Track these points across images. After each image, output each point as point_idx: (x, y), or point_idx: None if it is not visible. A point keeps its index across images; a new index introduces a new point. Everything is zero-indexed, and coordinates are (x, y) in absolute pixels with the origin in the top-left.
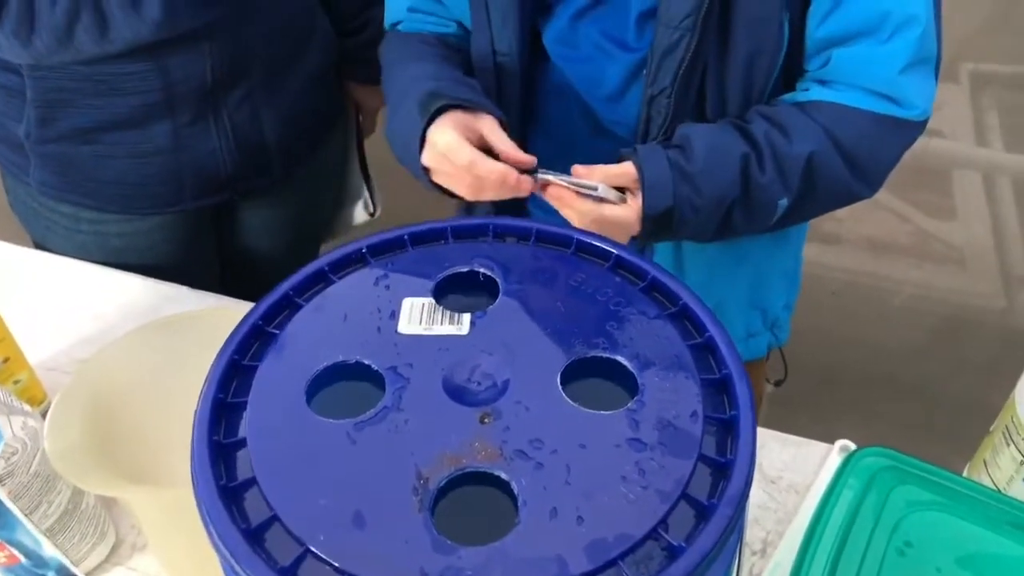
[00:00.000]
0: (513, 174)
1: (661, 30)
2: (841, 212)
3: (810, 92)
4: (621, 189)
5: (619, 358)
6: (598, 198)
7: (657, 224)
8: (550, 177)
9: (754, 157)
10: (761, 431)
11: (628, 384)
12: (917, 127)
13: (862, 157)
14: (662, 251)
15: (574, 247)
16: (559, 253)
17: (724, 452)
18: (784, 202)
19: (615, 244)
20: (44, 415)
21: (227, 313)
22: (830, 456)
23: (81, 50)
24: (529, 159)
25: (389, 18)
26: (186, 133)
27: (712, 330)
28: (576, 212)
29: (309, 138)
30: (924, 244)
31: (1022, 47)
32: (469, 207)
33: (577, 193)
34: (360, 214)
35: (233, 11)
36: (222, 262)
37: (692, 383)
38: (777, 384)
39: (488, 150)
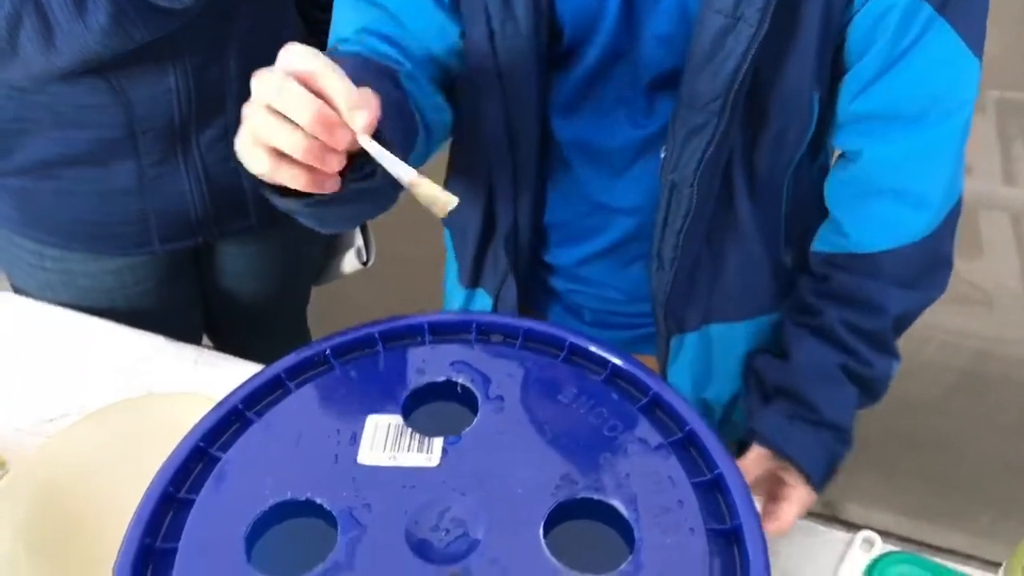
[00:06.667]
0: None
1: (683, 111)
2: None
3: (852, 239)
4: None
5: (613, 502)
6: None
7: (828, 476)
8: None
9: (851, 359)
10: None
11: (623, 531)
12: (954, 213)
13: (925, 278)
14: (689, 346)
15: (566, 351)
16: (550, 359)
17: None
18: (897, 364)
19: (613, 350)
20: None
21: (193, 399)
22: (851, 550)
23: (28, 62)
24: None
25: (333, 38)
26: (153, 173)
27: (723, 466)
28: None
29: None
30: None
31: None
32: (479, 261)
33: None
34: (352, 262)
35: (198, 37)
36: (206, 306)
37: (698, 538)
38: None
39: None
